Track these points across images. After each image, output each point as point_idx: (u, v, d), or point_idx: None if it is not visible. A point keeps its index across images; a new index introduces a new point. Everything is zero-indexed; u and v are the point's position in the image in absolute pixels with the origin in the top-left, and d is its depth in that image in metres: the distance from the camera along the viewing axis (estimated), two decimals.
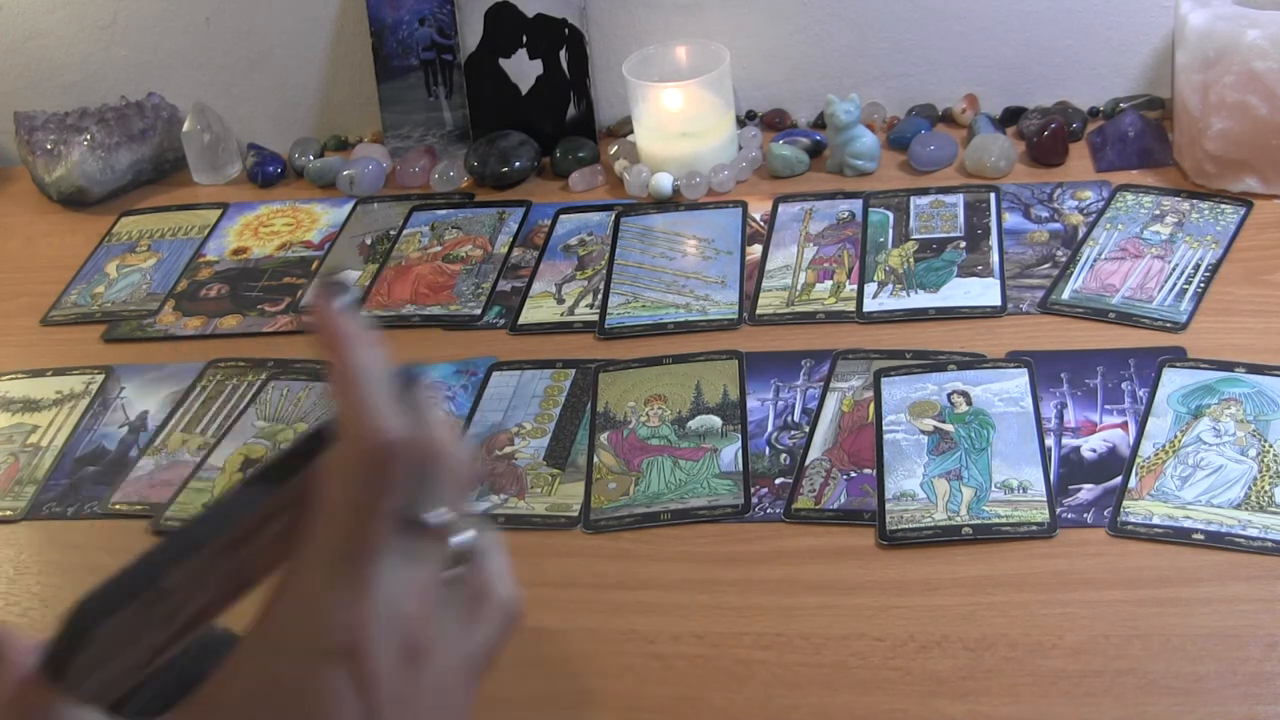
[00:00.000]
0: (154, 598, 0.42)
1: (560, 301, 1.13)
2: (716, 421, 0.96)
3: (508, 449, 0.97)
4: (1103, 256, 1.07)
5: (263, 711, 0.41)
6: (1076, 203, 1.13)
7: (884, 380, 0.96)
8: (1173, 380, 0.92)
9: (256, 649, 0.42)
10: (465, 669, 0.46)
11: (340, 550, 0.42)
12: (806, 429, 0.94)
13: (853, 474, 0.90)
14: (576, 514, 0.91)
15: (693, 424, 0.96)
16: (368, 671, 0.42)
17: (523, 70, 1.32)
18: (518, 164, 1.29)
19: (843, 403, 0.96)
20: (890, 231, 1.14)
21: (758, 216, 1.19)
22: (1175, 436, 0.88)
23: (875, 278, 1.09)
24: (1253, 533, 0.80)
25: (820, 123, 1.30)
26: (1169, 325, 0.98)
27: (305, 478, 0.44)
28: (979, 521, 0.84)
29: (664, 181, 1.22)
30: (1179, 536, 0.81)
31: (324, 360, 0.44)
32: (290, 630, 0.42)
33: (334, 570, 0.42)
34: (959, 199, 1.16)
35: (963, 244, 1.11)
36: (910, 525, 0.85)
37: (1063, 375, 0.94)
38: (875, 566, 0.83)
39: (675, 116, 1.24)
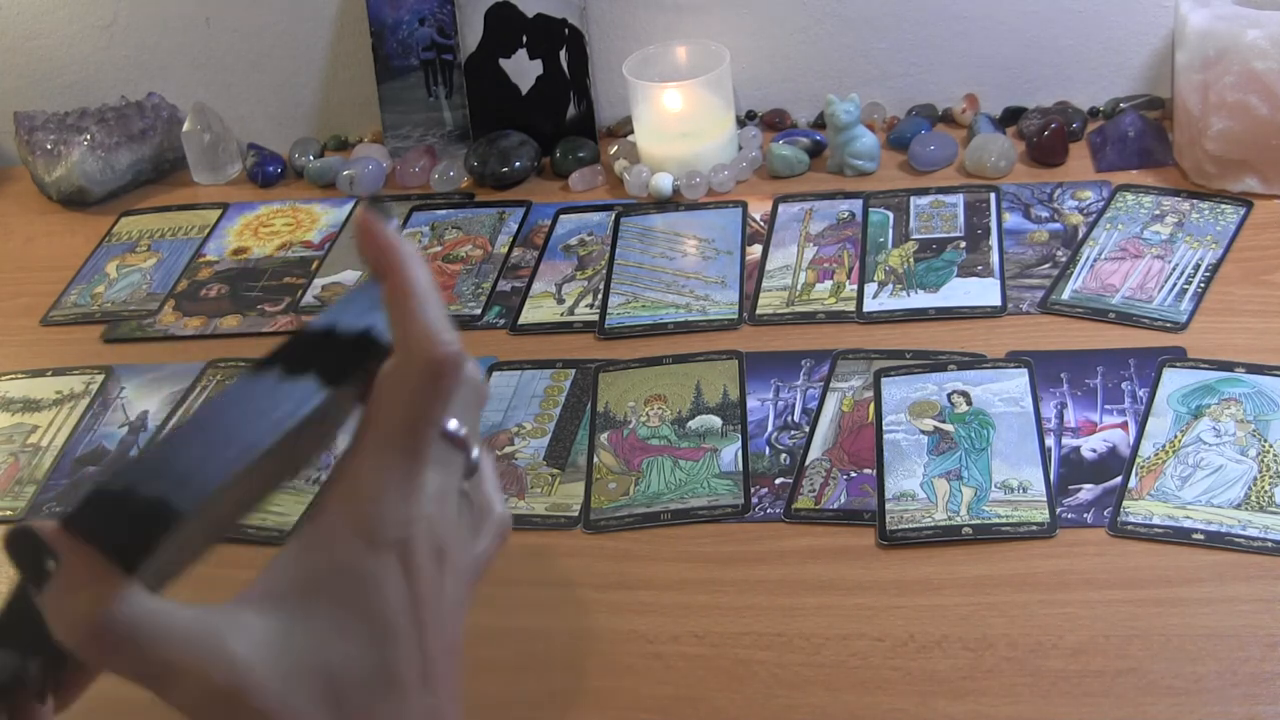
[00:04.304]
0: (211, 502, 0.42)
1: (560, 301, 1.13)
2: (716, 421, 0.96)
3: (508, 449, 0.97)
4: (1103, 256, 1.07)
5: (322, 594, 0.44)
6: (1076, 203, 1.13)
7: (884, 380, 0.96)
8: (1173, 380, 0.92)
9: (315, 538, 0.45)
10: (469, 576, 0.49)
11: (400, 454, 0.45)
12: (806, 429, 0.94)
13: (853, 474, 0.90)
14: (576, 514, 0.91)
15: (693, 424, 0.96)
16: (415, 563, 0.45)
17: (523, 70, 1.32)
18: (518, 164, 1.29)
19: (843, 403, 0.96)
20: (890, 231, 1.14)
21: (758, 216, 1.19)
22: (1175, 436, 0.88)
23: (875, 278, 1.09)
24: (1253, 533, 0.80)
25: (820, 123, 1.30)
26: (1169, 325, 0.98)
27: (358, 382, 0.46)
28: (979, 521, 0.84)
29: (664, 181, 1.22)
30: (1179, 536, 0.81)
31: (377, 276, 0.46)
32: (348, 523, 0.45)
33: (393, 472, 0.45)
34: (959, 199, 1.16)
35: (963, 244, 1.11)
36: (910, 525, 0.85)
37: (1063, 375, 0.94)
38: (875, 566, 0.83)
39: (675, 116, 1.24)
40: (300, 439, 0.45)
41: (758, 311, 1.07)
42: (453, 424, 0.48)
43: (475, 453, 0.49)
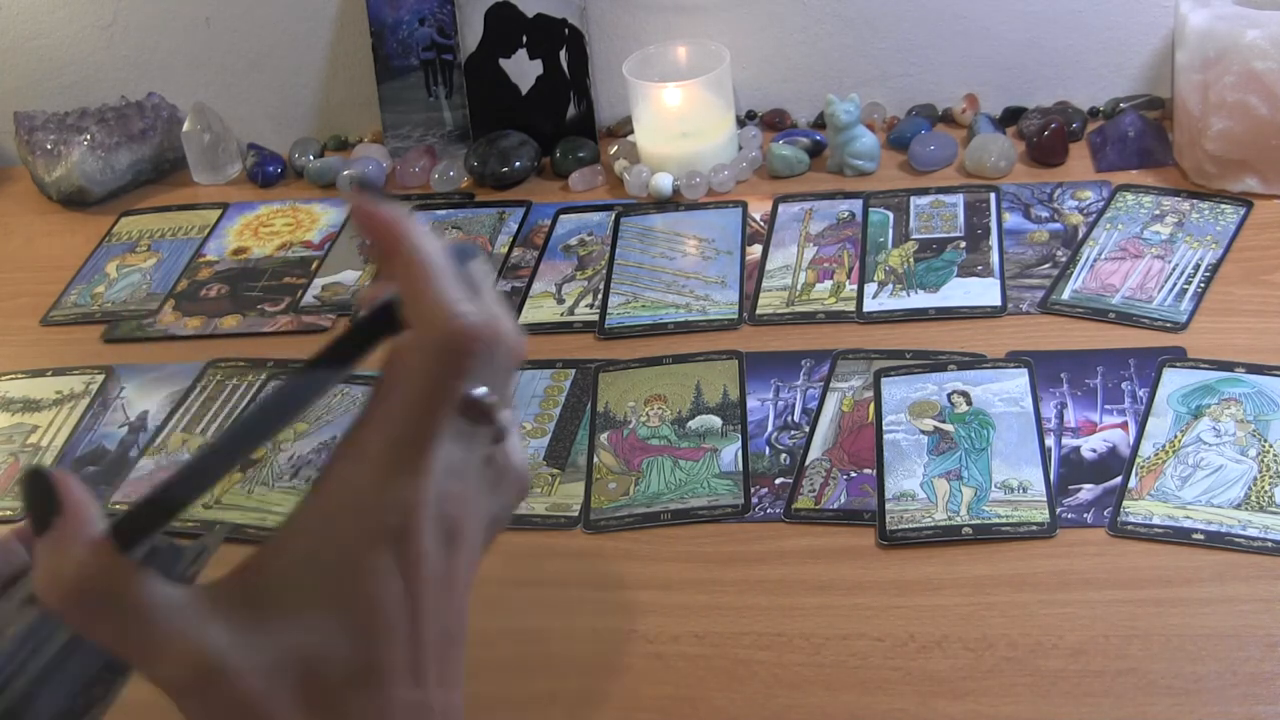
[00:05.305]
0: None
1: (560, 301, 1.13)
2: (716, 421, 0.96)
3: None
4: (1103, 256, 1.07)
5: (310, 583, 0.43)
6: (1076, 203, 1.13)
7: (884, 380, 0.96)
8: (1173, 380, 0.92)
9: (310, 521, 0.44)
10: (484, 536, 0.47)
11: (408, 437, 0.43)
12: (806, 429, 0.94)
13: (853, 474, 0.90)
14: (576, 514, 0.91)
15: (693, 424, 0.96)
16: (414, 554, 0.43)
17: (523, 70, 1.32)
18: (518, 164, 1.29)
19: (843, 403, 0.96)
20: (890, 231, 1.14)
21: (758, 216, 1.19)
22: (1175, 436, 0.88)
23: (875, 278, 1.09)
24: (1253, 533, 0.80)
25: (820, 123, 1.30)
26: (1169, 325, 0.98)
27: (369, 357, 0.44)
28: (979, 521, 0.84)
29: (664, 181, 1.22)
30: (1179, 536, 0.81)
31: (381, 257, 0.44)
32: (346, 507, 0.43)
33: (398, 455, 0.43)
34: (959, 199, 1.16)
35: (963, 244, 1.11)
36: (910, 525, 0.85)
37: (1063, 375, 0.94)
38: (875, 566, 0.83)
39: (675, 116, 1.24)
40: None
41: (758, 311, 1.07)
42: (480, 390, 0.44)
43: (504, 414, 0.46)
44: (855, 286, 1.08)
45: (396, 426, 0.43)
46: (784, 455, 0.92)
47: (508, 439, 0.48)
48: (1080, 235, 1.09)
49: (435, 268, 0.43)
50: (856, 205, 1.18)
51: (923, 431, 0.91)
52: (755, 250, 1.15)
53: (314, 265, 1.23)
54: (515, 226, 1.23)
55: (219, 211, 1.34)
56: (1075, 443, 0.89)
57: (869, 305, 1.06)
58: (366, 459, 0.43)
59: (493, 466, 0.48)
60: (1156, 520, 0.82)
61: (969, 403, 0.93)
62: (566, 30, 1.30)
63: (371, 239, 0.44)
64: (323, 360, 0.44)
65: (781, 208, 1.19)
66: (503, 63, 1.32)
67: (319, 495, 0.44)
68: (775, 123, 1.33)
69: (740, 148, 1.27)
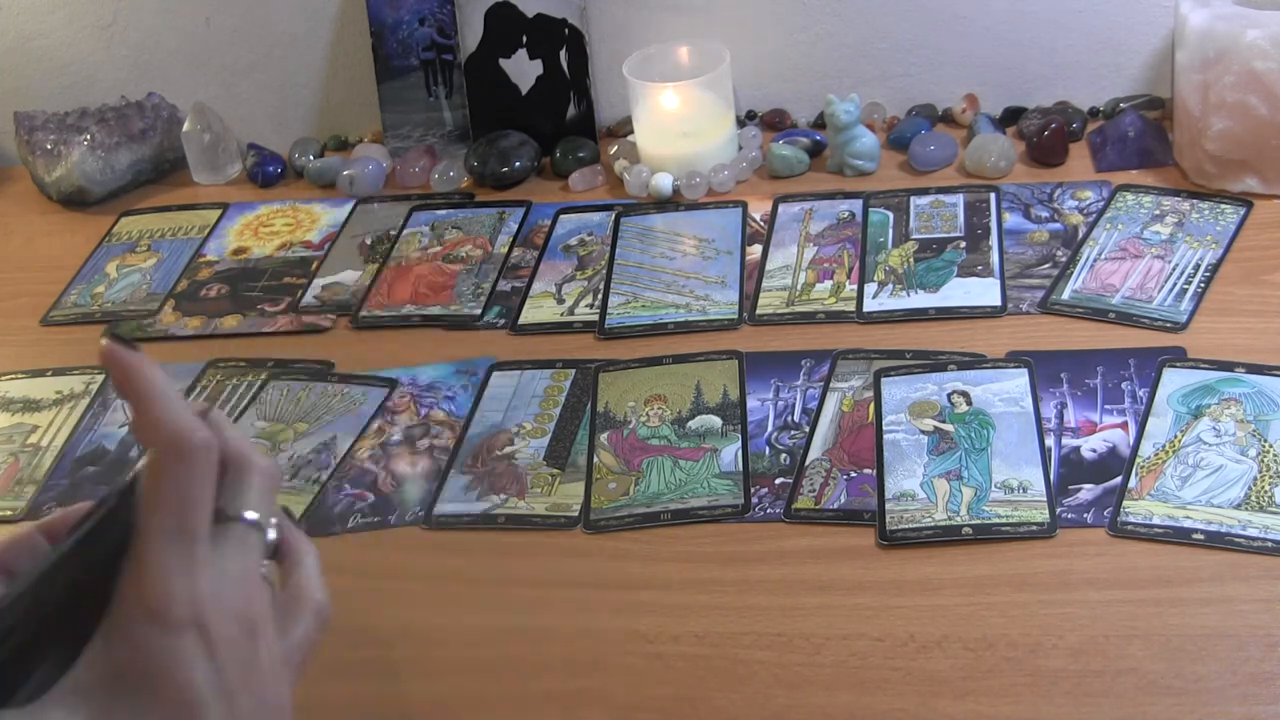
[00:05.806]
0: None
1: (560, 301, 1.13)
2: (716, 421, 0.96)
3: (508, 449, 0.97)
4: (1103, 256, 1.07)
5: (127, 681, 0.46)
6: (1076, 203, 1.13)
7: (884, 380, 0.96)
8: (1173, 380, 0.92)
9: (114, 628, 0.47)
10: (286, 662, 0.51)
11: (172, 536, 0.47)
12: (806, 429, 0.94)
13: (853, 474, 0.90)
14: (576, 514, 0.91)
15: (693, 424, 0.96)
16: (215, 636, 0.47)
17: (523, 70, 1.32)
18: (518, 164, 1.29)
19: (843, 403, 0.96)
20: (890, 231, 1.14)
21: (758, 216, 1.19)
22: (1175, 436, 0.88)
23: (875, 278, 1.09)
24: (1253, 533, 0.80)
25: (820, 123, 1.30)
26: (1169, 325, 0.98)
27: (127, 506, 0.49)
28: (979, 521, 0.84)
29: (664, 181, 1.22)
30: (1179, 536, 0.81)
31: (123, 395, 0.50)
32: (138, 613, 0.47)
33: (169, 553, 0.47)
34: (959, 199, 1.16)
35: (963, 244, 1.11)
36: (910, 525, 0.85)
37: (1063, 375, 0.94)
38: (875, 566, 0.83)
39: (675, 116, 1.24)
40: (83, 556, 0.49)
41: (758, 311, 1.07)
42: (250, 514, 0.51)
43: (271, 534, 0.52)
44: (855, 286, 1.08)
45: (157, 531, 0.48)
46: (784, 455, 0.92)
47: (300, 567, 0.54)
48: (1080, 235, 1.09)
49: (163, 394, 0.50)
50: (856, 205, 1.18)
51: (923, 431, 0.91)
52: (755, 250, 1.15)
53: (314, 265, 1.23)
54: (515, 226, 1.23)
55: (219, 211, 1.34)
56: (1075, 443, 0.89)
57: (869, 305, 1.06)
58: (144, 569, 0.47)
59: (287, 592, 0.53)
60: (1156, 520, 0.82)
61: (969, 403, 0.93)
62: (566, 30, 1.30)
63: (114, 380, 0.50)
64: (78, 539, 0.49)
65: (781, 208, 1.19)
66: (503, 63, 1.32)
67: (114, 612, 0.47)
68: (775, 123, 1.33)
69: (740, 148, 1.27)
